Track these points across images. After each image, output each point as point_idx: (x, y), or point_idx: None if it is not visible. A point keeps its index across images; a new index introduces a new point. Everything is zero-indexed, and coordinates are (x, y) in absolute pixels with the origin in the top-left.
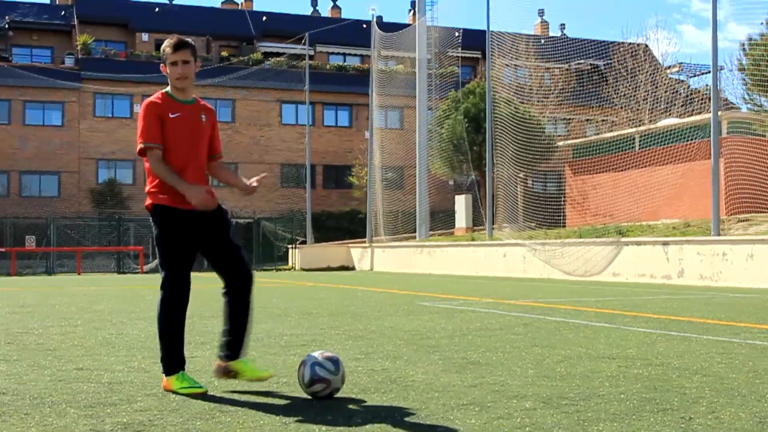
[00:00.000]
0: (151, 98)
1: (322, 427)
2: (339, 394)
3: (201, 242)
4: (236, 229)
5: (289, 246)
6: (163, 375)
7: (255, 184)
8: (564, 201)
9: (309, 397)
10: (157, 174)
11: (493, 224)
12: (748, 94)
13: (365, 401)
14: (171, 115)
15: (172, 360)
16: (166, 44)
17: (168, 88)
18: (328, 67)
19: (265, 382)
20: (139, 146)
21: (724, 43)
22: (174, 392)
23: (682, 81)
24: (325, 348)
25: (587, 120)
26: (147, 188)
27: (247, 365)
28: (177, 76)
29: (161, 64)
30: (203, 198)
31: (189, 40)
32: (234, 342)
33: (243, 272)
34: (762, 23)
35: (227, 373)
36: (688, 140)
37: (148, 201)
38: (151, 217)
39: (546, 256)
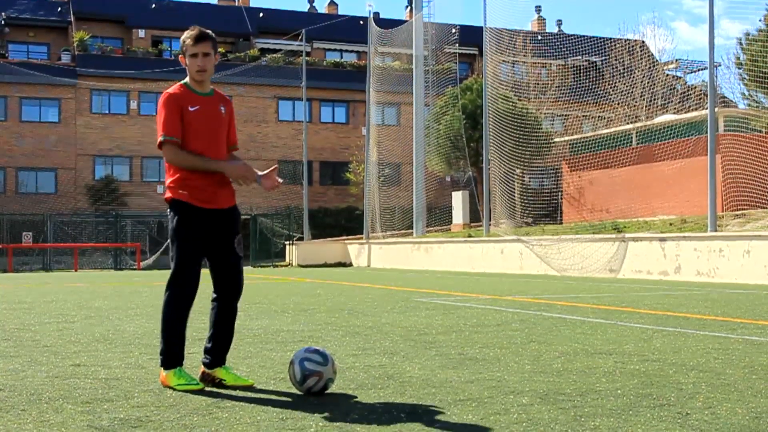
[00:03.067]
0: (170, 90)
1: (319, 422)
2: (336, 390)
3: (210, 243)
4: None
5: (286, 242)
6: (161, 369)
7: (278, 181)
8: (561, 197)
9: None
10: (180, 165)
11: (490, 221)
12: (746, 90)
13: (362, 397)
14: (190, 108)
15: (172, 355)
16: (187, 35)
17: (186, 80)
18: (324, 63)
19: (262, 379)
20: (159, 139)
21: (718, 39)
22: (171, 388)
23: (679, 77)
24: (322, 344)
25: (584, 116)
26: (167, 182)
27: (229, 373)
28: (197, 68)
29: (180, 56)
30: (241, 172)
31: (209, 31)
32: (220, 349)
33: (236, 284)
34: (761, 20)
35: (212, 381)
36: (684, 136)
37: (168, 194)
38: (169, 211)
39: (542, 252)
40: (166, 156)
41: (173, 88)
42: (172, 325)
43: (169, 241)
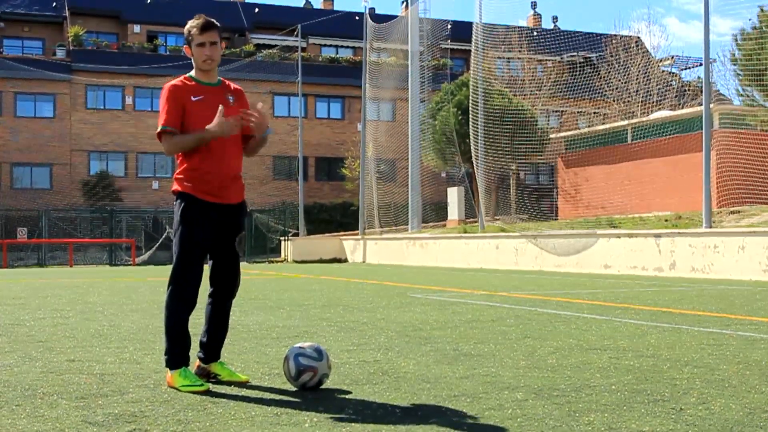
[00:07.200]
0: (173, 81)
1: (313, 418)
2: (330, 385)
3: (214, 240)
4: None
5: (282, 238)
6: (167, 369)
7: (258, 108)
8: (556, 193)
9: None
10: (177, 150)
11: (485, 216)
12: (741, 87)
13: (357, 393)
14: (193, 98)
15: (176, 355)
16: (192, 25)
17: (192, 72)
18: (320, 59)
19: (257, 374)
20: (158, 130)
21: (711, 36)
22: (176, 389)
23: (674, 74)
24: (317, 340)
25: (579, 112)
26: (175, 173)
27: (224, 368)
28: (204, 58)
29: (185, 46)
30: (224, 126)
31: (214, 20)
32: (214, 344)
33: (231, 284)
34: (754, 16)
35: (207, 375)
36: (680, 133)
37: (174, 186)
38: (175, 204)
39: (539, 246)
40: (163, 146)
41: (176, 80)
42: (174, 325)
43: (172, 234)
